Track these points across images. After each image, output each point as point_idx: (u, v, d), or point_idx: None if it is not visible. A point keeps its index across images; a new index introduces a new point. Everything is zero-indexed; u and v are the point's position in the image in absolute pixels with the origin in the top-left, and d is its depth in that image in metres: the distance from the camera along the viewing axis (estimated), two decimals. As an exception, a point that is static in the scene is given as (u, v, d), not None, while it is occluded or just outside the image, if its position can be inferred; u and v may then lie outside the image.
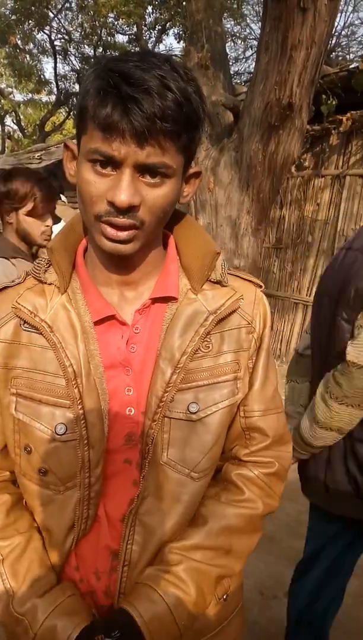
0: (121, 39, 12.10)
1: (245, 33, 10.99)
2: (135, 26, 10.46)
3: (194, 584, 0.76)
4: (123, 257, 0.74)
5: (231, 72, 9.79)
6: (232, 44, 11.00)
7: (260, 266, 5.16)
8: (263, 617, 2.01)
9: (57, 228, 3.46)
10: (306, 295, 5.25)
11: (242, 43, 11.21)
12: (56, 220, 3.43)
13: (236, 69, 11.20)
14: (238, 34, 10.88)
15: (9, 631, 0.77)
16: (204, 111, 0.70)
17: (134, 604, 0.73)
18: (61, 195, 3.58)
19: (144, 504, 0.78)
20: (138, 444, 0.78)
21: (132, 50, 0.73)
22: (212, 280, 0.81)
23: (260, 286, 0.87)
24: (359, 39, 10.87)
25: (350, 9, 10.25)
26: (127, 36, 11.58)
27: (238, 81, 9.58)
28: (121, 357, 0.78)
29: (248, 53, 11.23)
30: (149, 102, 0.62)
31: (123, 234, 0.68)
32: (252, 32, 10.88)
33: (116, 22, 10.46)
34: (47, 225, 1.90)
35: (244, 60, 11.58)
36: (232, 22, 10.27)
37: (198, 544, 0.78)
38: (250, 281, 0.86)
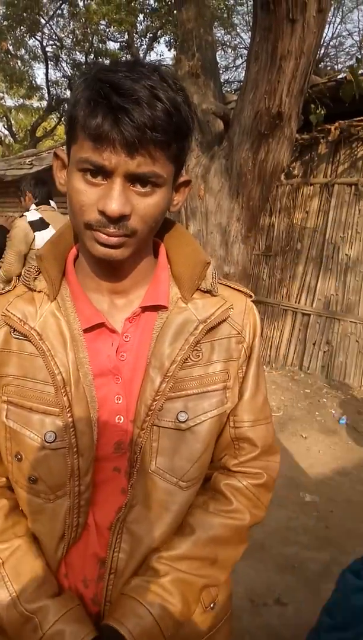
0: (112, 46, 12.15)
1: (235, 42, 11.11)
2: (126, 34, 10.52)
3: (179, 594, 0.76)
4: (114, 264, 0.74)
5: (222, 81, 9.87)
6: (222, 52, 11.11)
7: (250, 273, 5.19)
8: (253, 625, 2.00)
9: (46, 234, 3.46)
10: (296, 302, 5.29)
11: (232, 52, 11.33)
12: (44, 226, 3.42)
13: (227, 77, 11.30)
14: (228, 43, 10.99)
15: (13, 633, 0.76)
16: (194, 121, 0.71)
17: (122, 621, 0.72)
18: (50, 201, 3.57)
19: (132, 512, 0.78)
20: (126, 452, 0.78)
21: (122, 60, 0.73)
22: (202, 289, 0.81)
23: (250, 296, 0.88)
24: (347, 49, 11.01)
25: (338, 20, 10.41)
26: (118, 43, 11.65)
27: (229, 89, 9.66)
28: (110, 365, 0.78)
29: (238, 62, 11.34)
30: (139, 112, 0.62)
31: (114, 239, 0.69)
32: (242, 41, 11.00)
33: (107, 30, 10.52)
34: None
35: (234, 68, 11.69)
36: (222, 31, 10.38)
37: (185, 554, 0.78)
38: (240, 291, 0.87)
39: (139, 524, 0.78)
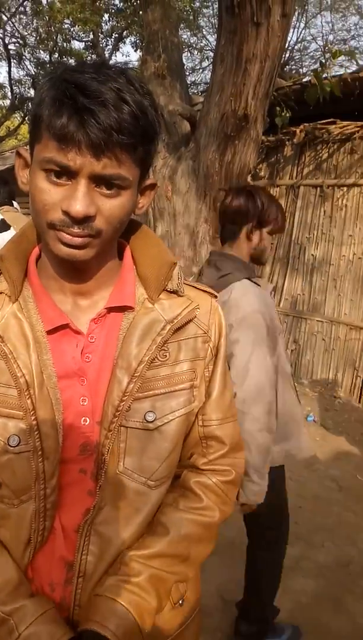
0: (77, 45, 12.02)
1: (202, 44, 11.17)
2: (92, 33, 10.43)
3: (155, 591, 0.77)
4: (77, 265, 0.74)
5: (188, 82, 9.90)
6: (189, 54, 11.16)
7: (218, 273, 5.23)
8: (224, 621, 2.02)
9: (7, 236, 3.39)
10: (264, 302, 5.36)
11: (199, 54, 11.38)
12: (5, 228, 3.35)
13: (193, 79, 11.35)
14: (194, 45, 11.04)
15: None
16: (160, 124, 0.71)
17: (104, 623, 0.71)
18: (13, 202, 3.50)
19: (100, 514, 0.78)
20: (93, 453, 0.78)
21: (88, 61, 0.73)
22: (169, 290, 0.82)
23: (215, 296, 0.89)
24: (311, 54, 11.24)
25: (303, 25, 10.61)
26: (83, 43, 11.54)
27: (195, 91, 9.70)
28: (75, 366, 0.77)
29: (205, 64, 11.40)
30: (105, 114, 0.62)
31: (78, 240, 0.68)
32: (209, 44, 11.07)
33: (72, 29, 10.40)
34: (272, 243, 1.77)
35: (201, 70, 11.75)
36: (189, 33, 10.42)
37: (158, 552, 0.79)
38: (205, 291, 0.88)
39: (108, 525, 0.78)
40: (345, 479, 3.12)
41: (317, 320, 4.91)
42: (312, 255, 4.94)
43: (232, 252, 1.62)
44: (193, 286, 0.87)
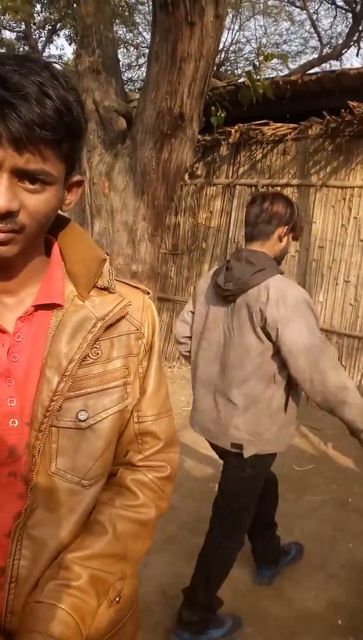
0: (8, 35, 11.59)
1: (138, 40, 11.12)
2: (24, 24, 10.10)
3: (95, 593, 0.76)
4: (1, 261, 0.71)
5: (125, 79, 9.83)
6: (125, 50, 11.08)
7: (158, 271, 5.23)
8: (165, 616, 2.03)
9: None
10: (203, 299, 5.43)
11: (135, 50, 11.33)
12: None
13: (130, 75, 11.29)
14: (130, 41, 10.97)
15: None
16: (86, 120, 0.70)
17: (48, 632, 0.69)
18: None
19: (33, 517, 0.76)
20: (22, 455, 0.76)
21: (12, 54, 0.71)
22: (99, 286, 0.81)
23: (148, 292, 0.89)
24: (246, 55, 11.48)
25: (237, 27, 10.82)
26: (15, 33, 11.15)
27: (132, 88, 9.65)
28: (1, 367, 0.75)
29: (141, 60, 11.37)
30: (27, 108, 0.61)
31: (1, 235, 0.66)
32: (145, 41, 11.04)
33: (2, 17, 10.03)
34: None
35: (137, 67, 11.71)
36: (124, 29, 10.34)
37: (97, 552, 0.78)
38: (137, 288, 0.88)
39: (41, 527, 0.76)
40: (283, 470, 3.23)
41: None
42: (249, 253, 5.06)
43: (263, 250, 1.77)
44: (125, 282, 0.87)
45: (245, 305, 1.70)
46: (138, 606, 0.96)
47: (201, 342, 1.92)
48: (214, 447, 1.97)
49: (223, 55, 10.26)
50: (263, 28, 14.78)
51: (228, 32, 10.27)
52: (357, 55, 17.57)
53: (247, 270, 1.70)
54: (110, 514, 0.82)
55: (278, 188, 4.81)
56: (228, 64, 10.96)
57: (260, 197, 1.82)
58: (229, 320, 1.77)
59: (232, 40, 11.04)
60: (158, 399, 0.89)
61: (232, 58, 11.20)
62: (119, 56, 5.05)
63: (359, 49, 9.09)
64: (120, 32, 10.15)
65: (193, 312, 2.01)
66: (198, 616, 1.91)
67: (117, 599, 0.85)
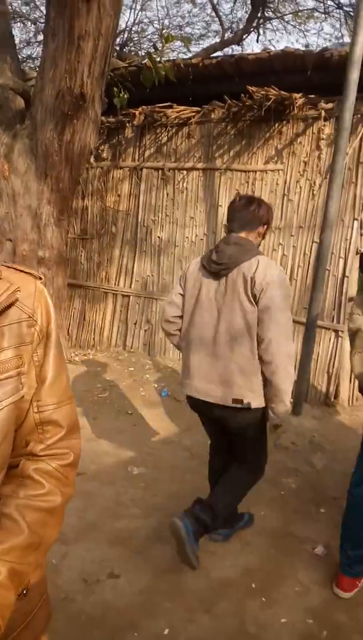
0: None
1: (35, 15, 10.56)
2: None
3: (13, 586, 0.75)
4: None
5: (23, 56, 9.32)
6: (22, 25, 10.47)
7: (67, 257, 5.10)
8: (87, 604, 2.03)
9: None
10: (115, 285, 5.38)
11: (33, 26, 10.75)
12: None
13: (28, 52, 10.71)
14: (27, 16, 10.39)
15: None
16: None
17: None
18: None
19: None
20: None
21: None
22: None
23: (40, 278, 0.87)
24: (149, 36, 11.33)
25: (139, 7, 10.62)
26: None
27: (32, 66, 9.18)
28: None
29: (40, 37, 10.82)
30: None
31: None
32: (43, 15, 10.50)
33: None
34: None
35: (36, 44, 11.12)
36: (19, 1, 9.77)
37: (11, 546, 0.76)
38: (28, 273, 0.85)
39: None
40: (196, 448, 3.32)
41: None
42: (158, 237, 5.07)
43: (249, 238, 2.18)
44: (14, 268, 0.84)
45: (241, 274, 2.06)
46: (48, 595, 0.96)
47: (194, 316, 2.22)
48: (206, 409, 2.24)
49: (125, 36, 10.05)
50: (164, 9, 14.63)
51: (130, 12, 10.08)
52: (257, 41, 18.01)
53: (238, 250, 2.10)
54: (17, 505, 0.80)
55: (184, 172, 4.86)
56: (131, 44, 10.75)
57: (246, 199, 2.23)
58: (222, 290, 2.12)
59: (135, 20, 10.84)
60: (58, 387, 0.87)
61: (136, 39, 11.01)
62: (15, 31, 4.77)
63: (259, 35, 9.31)
64: (15, 4, 9.58)
65: (182, 295, 2.30)
66: (210, 519, 2.16)
67: (24, 591, 0.84)
